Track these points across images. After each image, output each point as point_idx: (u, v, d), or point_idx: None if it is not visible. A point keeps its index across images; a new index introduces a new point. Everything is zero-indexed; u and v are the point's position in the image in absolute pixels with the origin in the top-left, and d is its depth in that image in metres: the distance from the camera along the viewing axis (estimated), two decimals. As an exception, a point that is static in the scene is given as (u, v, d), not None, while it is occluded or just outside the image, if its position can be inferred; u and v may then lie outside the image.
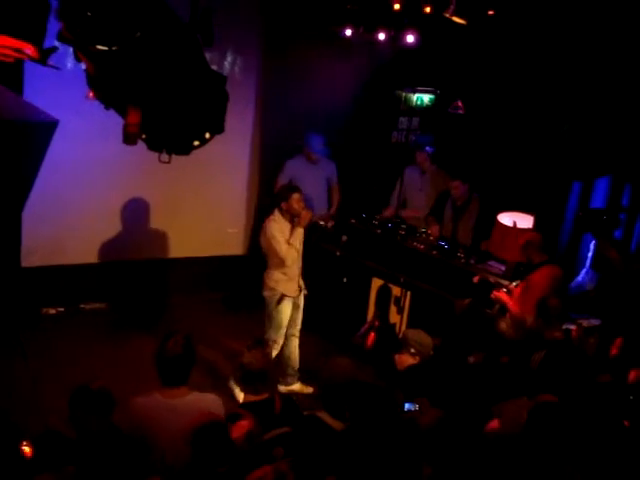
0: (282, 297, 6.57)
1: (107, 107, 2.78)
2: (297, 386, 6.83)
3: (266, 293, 6.60)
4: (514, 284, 6.49)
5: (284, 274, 6.53)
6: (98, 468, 3.81)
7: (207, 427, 3.83)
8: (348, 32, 7.66)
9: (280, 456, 4.03)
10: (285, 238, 6.39)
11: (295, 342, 6.81)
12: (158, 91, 2.60)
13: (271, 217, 6.47)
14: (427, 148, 8.13)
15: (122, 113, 2.69)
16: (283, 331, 6.64)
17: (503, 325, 5.52)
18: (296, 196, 6.37)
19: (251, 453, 3.83)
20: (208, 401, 4.41)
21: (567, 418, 4.16)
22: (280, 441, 4.12)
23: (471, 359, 5.05)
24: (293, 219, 6.41)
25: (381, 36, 7.56)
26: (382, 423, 3.84)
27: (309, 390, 6.72)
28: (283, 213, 6.41)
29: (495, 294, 6.27)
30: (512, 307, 6.14)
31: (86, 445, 3.87)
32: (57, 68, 2.87)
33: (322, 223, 7.59)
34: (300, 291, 6.72)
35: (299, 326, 6.85)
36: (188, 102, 2.71)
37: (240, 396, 6.25)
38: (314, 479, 3.80)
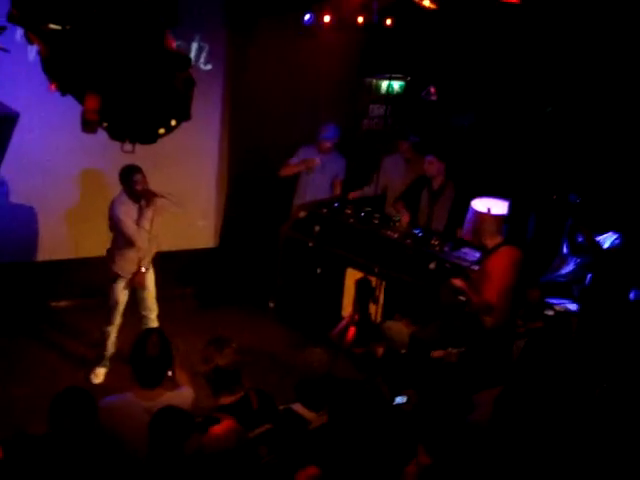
0: (116, 276, 6.44)
1: (64, 93, 2.61)
2: None
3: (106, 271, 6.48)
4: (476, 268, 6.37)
5: (122, 255, 6.40)
6: (74, 466, 3.67)
7: (165, 412, 3.73)
8: (327, 18, 7.49)
9: (265, 454, 3.95)
10: (133, 219, 6.25)
11: (149, 324, 6.56)
12: (118, 75, 2.44)
13: (117, 198, 6.30)
14: (411, 137, 8.04)
15: (80, 99, 2.53)
16: (117, 311, 6.48)
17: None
18: (137, 177, 6.17)
19: (236, 454, 3.73)
20: (183, 397, 4.34)
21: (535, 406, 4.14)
22: (263, 439, 4.04)
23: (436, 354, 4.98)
24: (140, 200, 6.24)
25: (360, 19, 7.43)
26: (370, 418, 3.78)
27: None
28: (129, 194, 6.24)
29: (453, 282, 6.04)
30: (472, 296, 5.97)
31: (61, 442, 3.74)
32: (5, 50, 2.70)
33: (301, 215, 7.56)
34: (138, 272, 6.50)
35: (153, 307, 6.65)
36: (151, 87, 2.55)
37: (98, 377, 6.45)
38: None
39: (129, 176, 6.16)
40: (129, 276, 6.46)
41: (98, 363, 6.62)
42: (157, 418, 3.74)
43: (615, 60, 4.51)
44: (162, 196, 6.32)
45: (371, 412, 3.95)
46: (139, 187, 6.17)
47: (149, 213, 6.29)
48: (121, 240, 6.37)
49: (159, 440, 3.68)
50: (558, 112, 4.53)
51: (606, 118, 4.58)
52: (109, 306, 6.50)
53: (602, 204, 6.41)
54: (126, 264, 6.44)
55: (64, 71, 2.44)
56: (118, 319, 6.49)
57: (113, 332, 6.52)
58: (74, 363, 6.77)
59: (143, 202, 6.23)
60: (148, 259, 6.50)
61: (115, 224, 6.31)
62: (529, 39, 4.43)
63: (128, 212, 6.25)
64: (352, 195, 8.13)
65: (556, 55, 4.45)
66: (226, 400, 4.25)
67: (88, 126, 2.50)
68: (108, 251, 6.50)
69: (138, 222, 6.26)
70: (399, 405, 4.38)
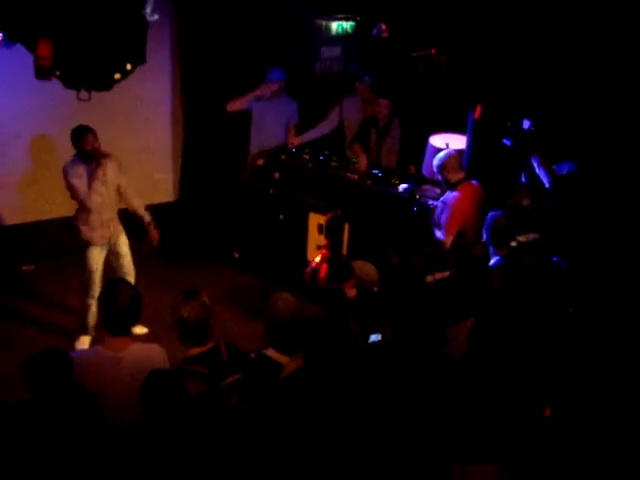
0: (86, 244, 6.33)
1: (13, 42, 2.50)
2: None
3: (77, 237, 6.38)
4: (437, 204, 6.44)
5: (85, 221, 6.26)
6: (57, 428, 3.67)
7: (155, 379, 3.71)
8: None
9: (235, 404, 3.96)
10: (84, 182, 6.09)
11: None
12: (71, 18, 2.34)
13: (68, 162, 6.13)
14: (366, 78, 7.98)
15: (31, 47, 2.42)
16: (93, 280, 6.36)
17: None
18: (87, 137, 5.97)
19: (207, 403, 3.73)
20: (152, 351, 4.36)
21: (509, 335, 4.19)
22: (233, 389, 4.04)
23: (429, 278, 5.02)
24: (91, 161, 6.06)
25: None
26: (343, 357, 3.78)
27: (143, 331, 6.47)
28: (80, 155, 6.06)
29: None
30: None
31: (43, 407, 3.72)
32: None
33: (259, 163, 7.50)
34: (110, 239, 6.41)
35: (130, 271, 6.57)
36: (104, 30, 2.45)
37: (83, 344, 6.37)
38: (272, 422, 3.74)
39: (79, 136, 5.99)
40: (99, 242, 6.34)
41: (83, 332, 6.51)
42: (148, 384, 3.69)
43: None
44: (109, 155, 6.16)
45: (346, 350, 3.97)
46: (88, 147, 5.98)
47: (100, 174, 6.12)
48: (80, 206, 6.23)
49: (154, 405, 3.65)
50: (517, 36, 4.46)
51: (561, 42, 4.56)
52: (85, 276, 6.38)
53: (556, 130, 6.43)
54: (90, 230, 6.30)
55: (13, 17, 2.32)
56: (97, 289, 6.28)
57: (93, 304, 6.34)
58: (51, 331, 6.67)
59: (94, 163, 6.06)
60: (115, 222, 6.39)
61: (68, 189, 6.15)
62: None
63: (79, 174, 6.08)
64: (298, 141, 8.02)
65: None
66: (195, 351, 4.22)
67: (42, 73, 2.40)
68: (74, 218, 6.33)
69: (89, 184, 6.09)
70: (373, 343, 4.40)
